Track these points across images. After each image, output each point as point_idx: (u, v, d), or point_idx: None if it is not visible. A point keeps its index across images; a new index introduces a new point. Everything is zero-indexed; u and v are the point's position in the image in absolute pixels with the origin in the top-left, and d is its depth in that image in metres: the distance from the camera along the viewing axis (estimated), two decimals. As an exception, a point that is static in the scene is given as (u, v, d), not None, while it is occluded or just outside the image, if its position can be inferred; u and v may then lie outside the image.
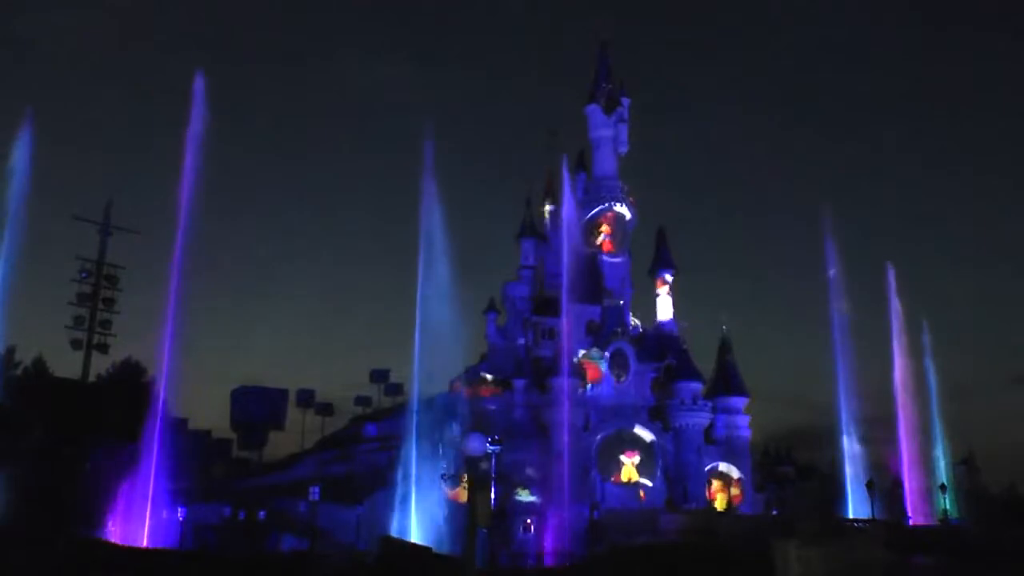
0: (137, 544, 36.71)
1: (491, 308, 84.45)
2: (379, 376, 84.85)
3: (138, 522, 41.32)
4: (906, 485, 62.50)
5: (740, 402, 74.16)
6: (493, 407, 68.75)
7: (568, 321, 68.74)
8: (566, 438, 64.59)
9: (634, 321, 78.97)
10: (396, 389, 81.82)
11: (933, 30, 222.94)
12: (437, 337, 48.75)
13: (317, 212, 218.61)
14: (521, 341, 77.55)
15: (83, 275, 31.49)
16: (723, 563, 29.99)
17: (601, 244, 79.81)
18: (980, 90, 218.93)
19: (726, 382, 74.67)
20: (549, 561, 50.49)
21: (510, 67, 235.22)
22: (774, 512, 64.23)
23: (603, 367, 71.28)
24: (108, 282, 32.02)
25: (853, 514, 59.36)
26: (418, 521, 49.78)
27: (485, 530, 22.84)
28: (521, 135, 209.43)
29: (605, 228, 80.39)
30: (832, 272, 64.53)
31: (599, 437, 68.16)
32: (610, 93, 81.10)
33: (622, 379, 71.86)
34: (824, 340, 63.85)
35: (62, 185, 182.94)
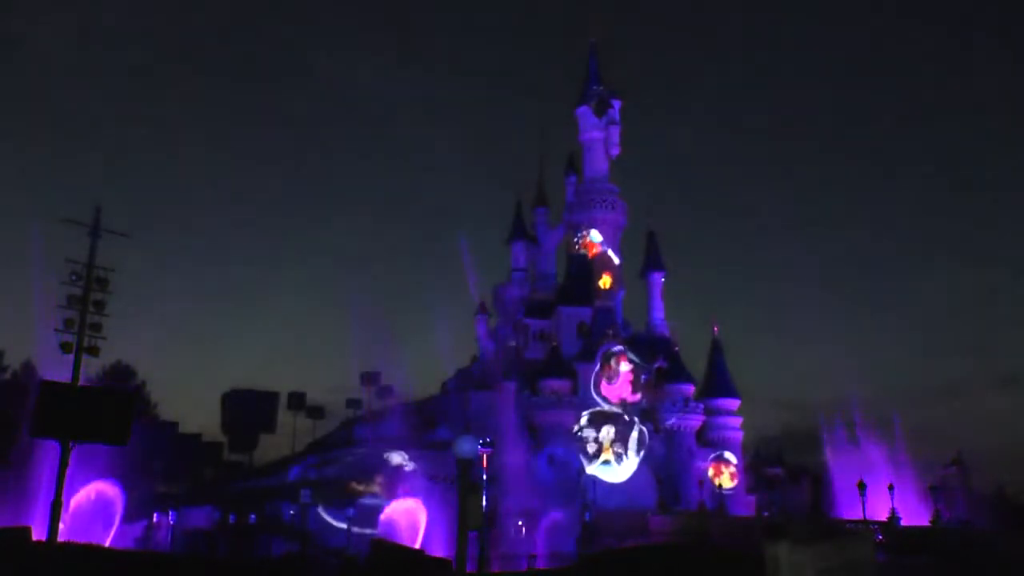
0: (127, 548, 36.59)
1: (482, 310, 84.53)
2: (370, 379, 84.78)
3: (128, 526, 41.20)
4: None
5: (731, 404, 74.33)
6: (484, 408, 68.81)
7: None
8: (558, 440, 64.69)
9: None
10: (387, 391, 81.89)
11: (924, 35, 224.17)
12: (428, 340, 48.87)
13: (308, 214, 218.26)
14: (512, 343, 77.58)
15: (72, 278, 31.30)
16: (714, 565, 30.04)
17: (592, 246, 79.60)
18: (977, 89, 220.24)
19: (717, 384, 74.81)
20: (541, 563, 50.42)
21: (501, 69, 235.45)
22: (765, 514, 64.33)
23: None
24: (98, 285, 31.83)
25: (844, 515, 59.45)
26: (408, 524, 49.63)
27: (476, 532, 22.78)
28: (512, 138, 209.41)
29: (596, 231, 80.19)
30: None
31: (591, 438, 68.17)
32: (601, 95, 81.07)
33: (613, 381, 71.81)
34: (816, 341, 64.12)
35: (50, 187, 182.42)
